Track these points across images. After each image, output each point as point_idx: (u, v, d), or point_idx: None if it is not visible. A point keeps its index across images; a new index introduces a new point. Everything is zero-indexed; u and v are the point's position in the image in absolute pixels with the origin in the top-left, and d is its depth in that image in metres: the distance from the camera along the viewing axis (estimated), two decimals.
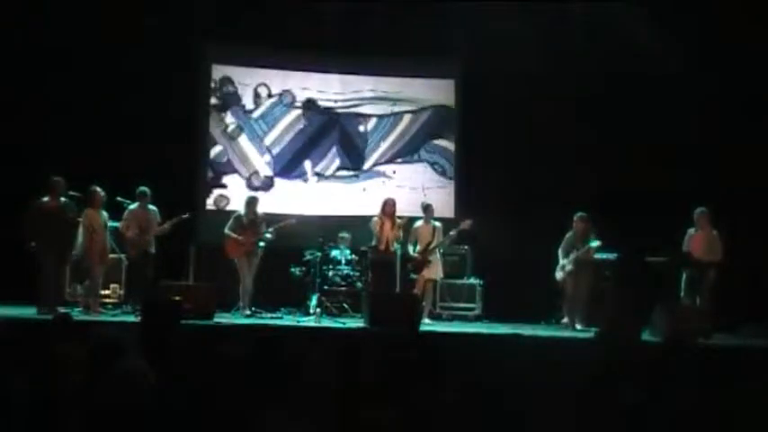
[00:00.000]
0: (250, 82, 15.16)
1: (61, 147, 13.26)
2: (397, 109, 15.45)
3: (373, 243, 13.23)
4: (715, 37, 13.70)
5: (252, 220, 12.94)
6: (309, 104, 15.30)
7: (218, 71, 15.06)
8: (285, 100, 15.24)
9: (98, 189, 12.07)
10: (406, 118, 15.47)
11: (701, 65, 13.75)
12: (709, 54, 13.76)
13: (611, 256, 13.31)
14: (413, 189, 15.19)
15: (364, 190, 15.26)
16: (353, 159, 15.37)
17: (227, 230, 12.87)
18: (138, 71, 13.79)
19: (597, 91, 14.27)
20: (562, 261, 12.90)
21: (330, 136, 15.34)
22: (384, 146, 15.42)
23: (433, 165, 15.42)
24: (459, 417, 4.79)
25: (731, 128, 13.78)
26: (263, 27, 14.34)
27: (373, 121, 15.42)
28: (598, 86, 14.25)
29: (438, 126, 15.51)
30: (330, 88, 15.36)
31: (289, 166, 15.18)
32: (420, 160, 15.45)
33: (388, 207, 13.15)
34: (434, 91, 15.57)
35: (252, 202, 13.10)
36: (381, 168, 15.37)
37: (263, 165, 15.10)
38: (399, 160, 15.42)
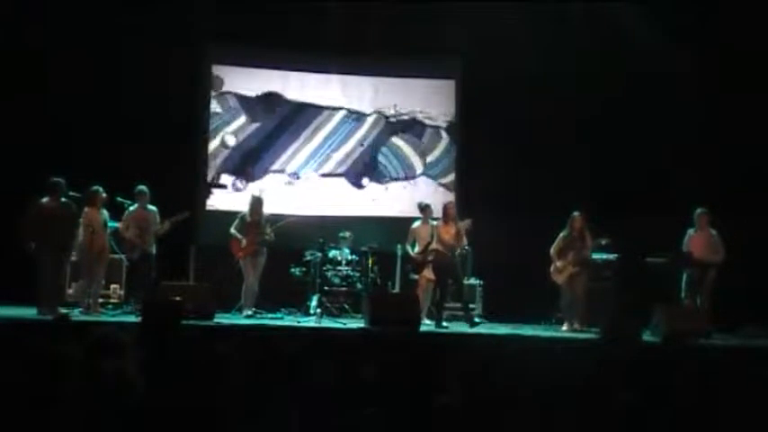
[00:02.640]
0: (249, 82, 15.15)
1: (61, 147, 13.23)
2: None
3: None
4: (714, 36, 13.71)
5: (257, 221, 12.93)
6: (307, 105, 15.30)
7: (218, 71, 15.05)
8: (284, 101, 15.24)
9: (99, 189, 12.06)
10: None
11: (700, 63, 13.76)
12: (708, 53, 13.78)
13: (611, 256, 13.31)
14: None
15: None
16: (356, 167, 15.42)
17: (232, 230, 12.88)
18: (138, 71, 13.81)
19: (596, 91, 14.26)
20: (558, 262, 12.86)
21: (327, 137, 15.36)
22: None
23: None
24: (458, 418, 4.79)
25: (729, 127, 13.78)
26: (263, 27, 14.33)
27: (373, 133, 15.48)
28: (597, 86, 14.24)
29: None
30: (330, 90, 15.36)
31: (284, 164, 15.21)
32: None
33: (450, 210, 12.83)
34: (432, 93, 15.59)
35: (257, 203, 13.10)
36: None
37: (257, 164, 15.12)
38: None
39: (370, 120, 15.46)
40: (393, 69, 15.50)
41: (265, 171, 15.12)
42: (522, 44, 14.05)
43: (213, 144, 14.99)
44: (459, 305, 13.32)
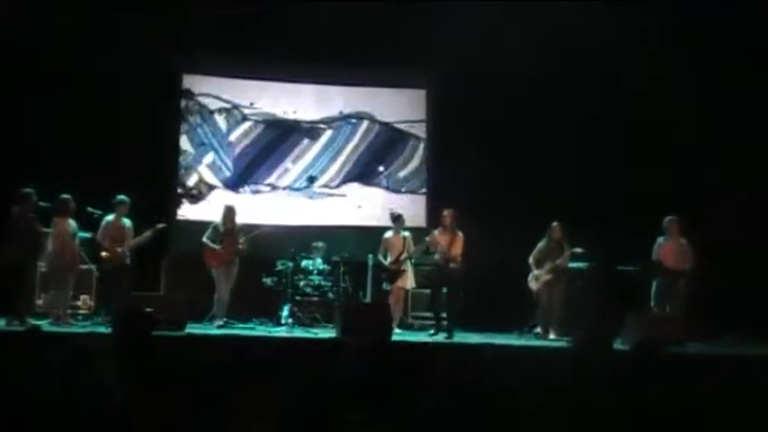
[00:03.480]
0: (218, 92, 15.13)
1: (30, 156, 13.14)
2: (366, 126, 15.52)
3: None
4: (696, 40, 13.80)
5: (230, 230, 12.90)
6: (275, 117, 15.31)
7: (188, 81, 15.02)
8: (252, 111, 15.23)
9: (68, 198, 11.96)
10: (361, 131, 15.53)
11: (681, 68, 13.89)
12: (689, 58, 13.90)
13: (584, 265, 13.37)
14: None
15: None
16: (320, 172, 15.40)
17: (205, 240, 12.84)
18: (109, 82, 13.73)
19: (572, 100, 14.32)
20: (536, 271, 12.93)
21: (297, 147, 15.36)
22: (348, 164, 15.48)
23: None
24: (430, 426, 4.79)
25: (706, 135, 13.88)
26: (235, 37, 14.31)
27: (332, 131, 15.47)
28: (573, 96, 14.29)
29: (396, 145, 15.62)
30: (300, 98, 15.37)
31: (250, 176, 15.21)
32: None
33: (445, 219, 12.81)
34: (403, 103, 15.61)
35: (229, 212, 13.06)
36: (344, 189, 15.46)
37: (226, 175, 15.09)
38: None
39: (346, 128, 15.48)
40: (363, 79, 15.51)
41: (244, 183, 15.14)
42: (495, 54, 14.10)
43: (184, 155, 14.93)
44: (431, 315, 13.39)
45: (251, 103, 15.22)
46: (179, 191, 14.86)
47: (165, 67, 14.50)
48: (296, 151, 15.37)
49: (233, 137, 15.19)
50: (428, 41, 14.53)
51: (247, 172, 15.19)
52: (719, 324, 12.75)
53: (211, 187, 15.00)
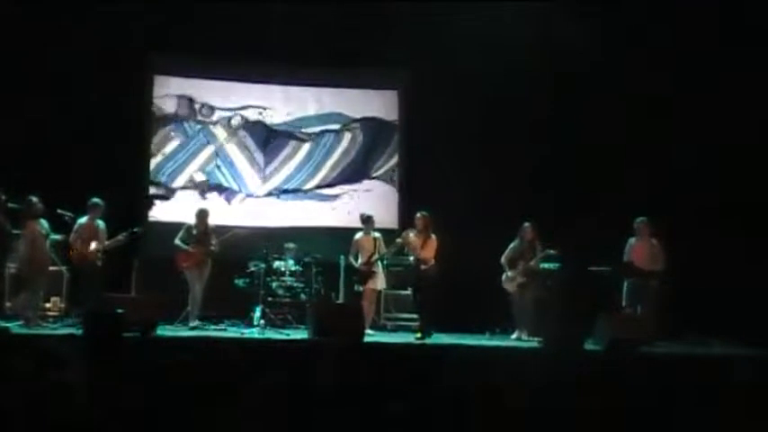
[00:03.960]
0: (192, 93, 15.08)
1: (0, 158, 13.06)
2: (335, 127, 15.49)
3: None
4: (669, 43, 13.88)
5: (203, 232, 12.87)
6: (249, 118, 15.26)
7: (161, 82, 14.95)
8: (226, 113, 15.18)
9: (36, 200, 11.87)
10: (347, 138, 15.50)
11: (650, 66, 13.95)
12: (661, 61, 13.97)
13: (556, 265, 13.41)
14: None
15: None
16: (297, 177, 15.36)
17: (177, 242, 12.81)
18: (80, 83, 13.67)
19: (540, 100, 14.38)
20: (509, 272, 12.96)
21: (272, 151, 15.32)
22: (326, 168, 15.46)
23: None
24: (404, 424, 4.79)
25: (674, 137, 13.96)
26: (207, 38, 14.26)
27: (311, 142, 15.46)
28: (546, 96, 14.34)
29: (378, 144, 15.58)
30: (273, 100, 15.33)
31: (227, 179, 15.15)
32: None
33: (418, 222, 12.83)
34: (376, 104, 15.63)
35: (202, 214, 13.03)
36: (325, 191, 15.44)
37: (201, 177, 15.02)
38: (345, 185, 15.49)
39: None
40: (335, 81, 15.50)
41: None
42: (466, 54, 14.14)
43: (155, 155, 14.88)
44: (403, 316, 13.45)
45: (222, 105, 15.15)
46: (151, 192, 14.77)
47: (137, 67, 14.43)
48: (279, 158, 15.33)
49: (205, 139, 15.11)
50: (400, 42, 14.52)
51: (224, 175, 15.12)
52: (690, 324, 12.85)
53: (184, 189, 14.92)
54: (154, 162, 14.89)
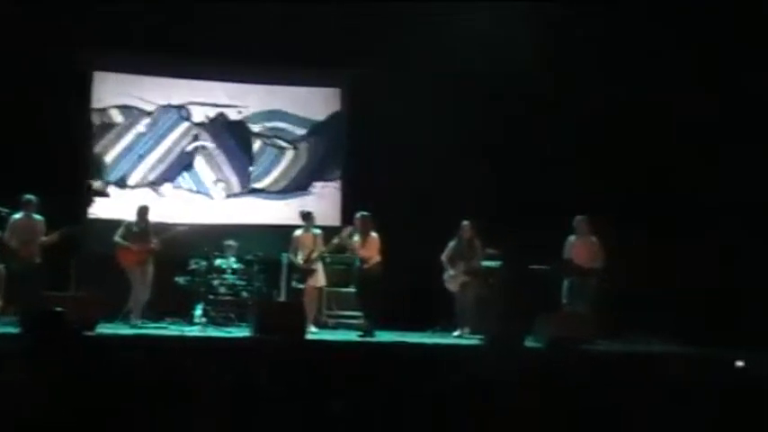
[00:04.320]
0: (133, 90, 14.94)
1: None
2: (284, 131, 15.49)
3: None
4: (619, 44, 14.01)
5: (143, 229, 12.75)
6: (195, 116, 15.18)
7: (100, 78, 14.80)
8: (167, 109, 15.09)
9: None
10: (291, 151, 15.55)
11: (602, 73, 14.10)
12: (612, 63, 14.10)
13: (497, 264, 13.49)
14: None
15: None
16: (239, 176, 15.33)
17: (117, 239, 12.67)
18: (19, 79, 13.49)
19: (488, 99, 14.41)
20: (450, 270, 13.02)
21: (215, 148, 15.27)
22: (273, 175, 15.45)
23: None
24: (346, 422, 4.81)
25: (612, 136, 14.11)
26: (146, 34, 14.14)
27: (258, 143, 15.42)
28: (490, 95, 14.38)
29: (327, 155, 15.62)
30: (215, 98, 15.25)
31: (164, 174, 15.06)
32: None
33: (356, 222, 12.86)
34: (321, 103, 15.62)
35: (143, 211, 12.90)
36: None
37: (140, 173, 14.93)
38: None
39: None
40: (279, 78, 15.47)
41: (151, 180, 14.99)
42: (411, 49, 14.17)
43: (95, 151, 14.74)
44: (345, 313, 13.48)
45: (164, 102, 15.05)
46: (91, 189, 14.61)
47: (75, 64, 14.28)
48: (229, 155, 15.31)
49: (145, 135, 15.00)
50: (343, 40, 14.52)
51: (165, 171, 15.04)
52: (630, 322, 13.00)
53: (123, 186, 14.79)
54: (98, 160, 14.72)
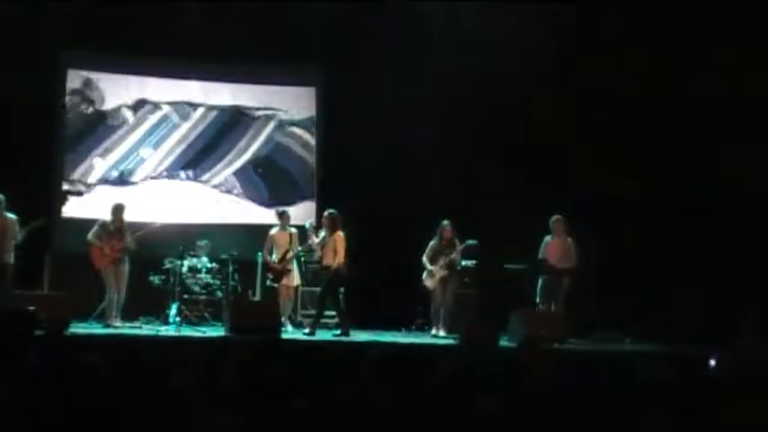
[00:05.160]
0: (105, 87, 14.86)
1: None
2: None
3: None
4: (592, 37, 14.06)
5: (118, 228, 12.68)
6: (167, 113, 15.12)
7: (74, 76, 14.72)
8: (139, 106, 15.01)
9: None
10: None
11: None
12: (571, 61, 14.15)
13: (473, 263, 13.52)
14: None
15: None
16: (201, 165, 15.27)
17: (91, 238, 12.60)
18: None
19: (462, 99, 14.43)
20: (430, 267, 13.01)
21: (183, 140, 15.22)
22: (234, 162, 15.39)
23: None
24: (318, 423, 4.80)
25: (587, 135, 14.15)
26: (120, 32, 14.08)
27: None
28: (460, 88, 14.39)
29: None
30: (189, 95, 15.20)
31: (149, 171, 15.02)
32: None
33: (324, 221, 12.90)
34: (293, 100, 15.61)
35: (118, 210, 12.83)
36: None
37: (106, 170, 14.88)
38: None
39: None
40: (252, 77, 15.45)
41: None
42: (384, 49, 14.16)
43: (69, 151, 14.65)
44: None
45: (137, 99, 14.98)
46: (64, 188, 14.53)
47: (48, 61, 14.21)
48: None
49: (122, 131, 14.93)
50: (317, 38, 14.53)
51: (143, 167, 15.00)
52: (602, 321, 13.06)
53: (101, 183, 14.71)
54: (68, 155, 14.65)
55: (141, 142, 14.98)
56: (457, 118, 14.53)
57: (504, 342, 11.57)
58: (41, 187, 14.05)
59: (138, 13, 13.95)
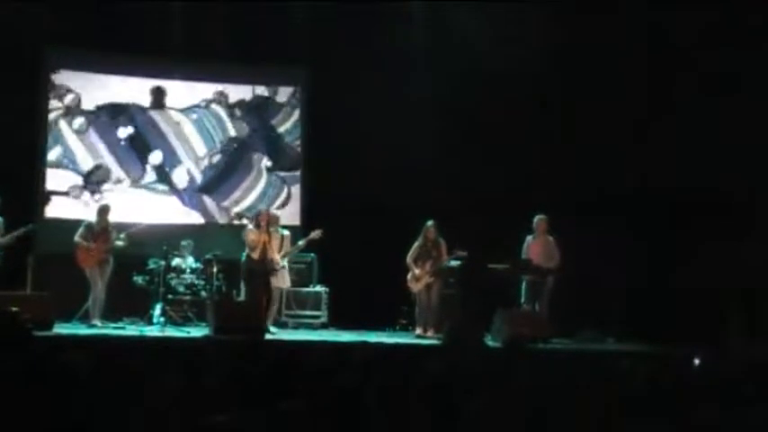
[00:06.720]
0: (89, 88, 14.81)
1: None
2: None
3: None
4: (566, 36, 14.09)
5: (104, 228, 12.67)
6: (153, 114, 15.08)
7: (57, 77, 14.67)
8: (123, 108, 14.97)
9: None
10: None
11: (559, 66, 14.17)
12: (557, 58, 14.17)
13: (456, 262, 13.53)
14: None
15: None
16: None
17: (77, 239, 12.58)
18: None
19: (446, 99, 14.44)
20: (416, 271, 13.00)
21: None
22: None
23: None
24: (304, 423, 4.79)
25: (570, 135, 14.18)
26: (104, 32, 14.05)
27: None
28: (448, 94, 14.41)
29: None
30: (172, 95, 15.15)
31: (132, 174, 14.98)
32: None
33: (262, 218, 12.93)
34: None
35: (104, 210, 12.83)
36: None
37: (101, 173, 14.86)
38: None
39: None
40: (235, 76, 15.43)
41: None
42: (367, 48, 14.17)
43: (53, 152, 14.58)
44: (305, 313, 13.49)
45: (122, 101, 14.94)
46: (48, 189, 14.48)
47: (29, 61, 14.18)
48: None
49: (102, 133, 14.88)
50: (300, 39, 14.52)
51: (127, 170, 14.96)
52: (586, 321, 13.09)
53: (84, 186, 14.66)
54: (50, 157, 14.59)
55: (122, 144, 14.92)
56: (442, 118, 14.52)
57: (488, 341, 11.58)
58: (25, 188, 13.99)
59: (116, 13, 13.89)
